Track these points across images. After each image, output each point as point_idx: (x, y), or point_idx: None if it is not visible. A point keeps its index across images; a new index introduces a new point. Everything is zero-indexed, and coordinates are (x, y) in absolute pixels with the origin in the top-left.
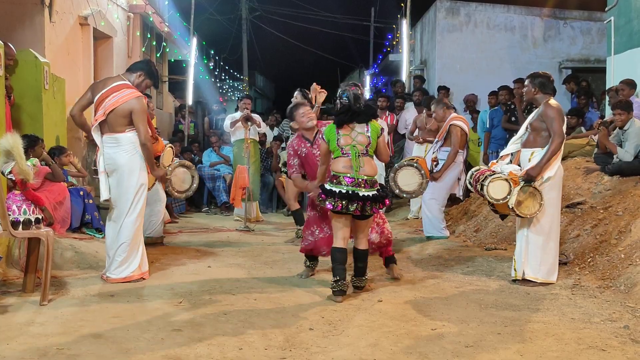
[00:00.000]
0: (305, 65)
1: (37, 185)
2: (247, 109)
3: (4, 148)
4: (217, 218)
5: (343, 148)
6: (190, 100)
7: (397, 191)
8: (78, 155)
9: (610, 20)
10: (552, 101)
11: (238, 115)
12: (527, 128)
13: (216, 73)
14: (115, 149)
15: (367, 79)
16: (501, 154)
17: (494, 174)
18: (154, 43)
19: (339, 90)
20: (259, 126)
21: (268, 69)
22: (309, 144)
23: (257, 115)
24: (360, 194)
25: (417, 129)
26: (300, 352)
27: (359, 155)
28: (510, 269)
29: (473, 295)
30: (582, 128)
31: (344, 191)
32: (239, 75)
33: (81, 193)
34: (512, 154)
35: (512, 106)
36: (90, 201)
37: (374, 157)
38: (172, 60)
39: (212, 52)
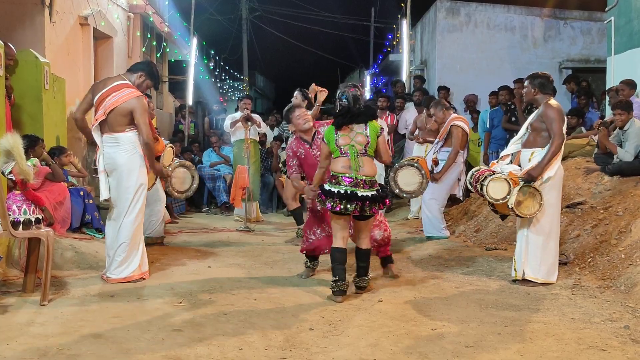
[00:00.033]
0: (305, 66)
1: (37, 185)
2: (247, 109)
3: (4, 148)
4: (217, 218)
5: (342, 148)
6: (190, 101)
7: (397, 191)
8: (78, 155)
9: (611, 20)
10: (553, 101)
11: (238, 115)
12: (527, 128)
13: (216, 73)
14: (114, 148)
15: (368, 79)
16: (501, 154)
17: (493, 174)
18: (154, 43)
19: (338, 92)
20: (259, 126)
21: (268, 69)
22: (307, 145)
23: (257, 116)
24: (359, 194)
25: (417, 129)
26: (300, 352)
27: (357, 155)
28: (511, 269)
29: (473, 295)
30: (583, 128)
31: (342, 191)
32: (239, 75)
33: (81, 193)
34: (512, 154)
35: (512, 106)
36: (91, 201)
37: (375, 158)
38: (172, 60)
39: (213, 52)
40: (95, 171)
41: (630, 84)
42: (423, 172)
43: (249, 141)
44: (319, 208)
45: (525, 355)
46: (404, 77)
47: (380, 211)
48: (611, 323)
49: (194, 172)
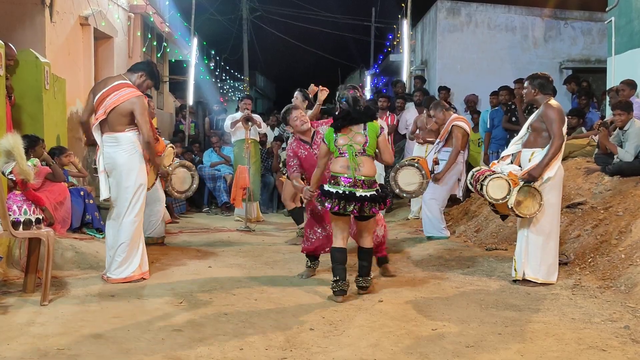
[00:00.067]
0: (306, 66)
1: (37, 185)
2: (248, 109)
3: (5, 148)
4: (218, 218)
5: (340, 148)
6: (190, 101)
7: (397, 191)
8: (78, 155)
9: (611, 20)
10: (553, 102)
11: (239, 115)
12: (527, 129)
13: (217, 73)
14: (114, 148)
15: (368, 79)
16: (502, 154)
17: (493, 174)
18: (155, 43)
19: (338, 94)
20: (259, 126)
21: (269, 69)
22: (307, 146)
23: (258, 116)
24: (357, 194)
25: (417, 130)
26: (301, 353)
27: (356, 155)
28: (511, 269)
29: (474, 295)
30: (583, 128)
31: (340, 192)
32: (240, 75)
33: (82, 193)
34: (513, 155)
35: (513, 106)
36: (91, 201)
37: (377, 157)
38: (173, 60)
39: (213, 52)
40: (95, 171)
41: (630, 84)
42: (423, 172)
43: (250, 141)
44: (319, 208)
45: (526, 355)
46: (405, 77)
47: (380, 211)
48: (611, 323)
49: (194, 172)
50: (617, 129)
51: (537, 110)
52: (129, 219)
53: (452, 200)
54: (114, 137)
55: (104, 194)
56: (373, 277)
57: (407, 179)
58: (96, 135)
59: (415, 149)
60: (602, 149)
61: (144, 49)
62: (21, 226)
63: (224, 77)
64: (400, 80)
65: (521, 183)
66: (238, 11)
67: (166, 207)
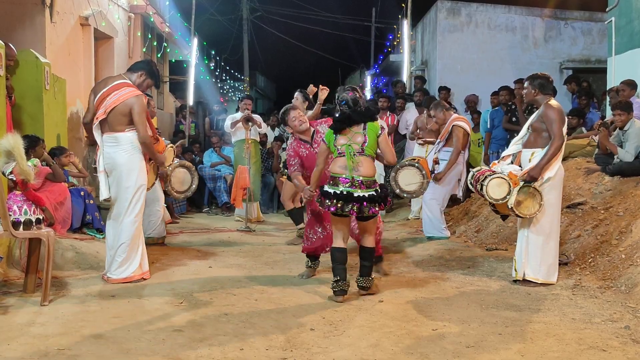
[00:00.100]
0: (306, 66)
1: (37, 185)
2: (248, 109)
3: (5, 148)
4: (218, 218)
5: (339, 148)
6: (191, 101)
7: (397, 191)
8: (79, 155)
9: (611, 20)
10: (553, 102)
11: (239, 115)
12: (528, 129)
13: (217, 73)
14: (114, 148)
15: (368, 79)
16: (502, 154)
17: (494, 174)
18: (155, 43)
19: (337, 96)
20: (259, 127)
21: (269, 69)
22: (308, 145)
23: (258, 116)
24: (356, 194)
25: (417, 130)
26: (301, 353)
27: (354, 155)
28: (511, 270)
29: (474, 295)
30: (583, 128)
31: (339, 192)
32: (240, 75)
33: (82, 193)
34: (513, 155)
35: (513, 106)
36: (91, 201)
37: (379, 157)
38: (173, 60)
39: (213, 52)
40: (95, 171)
41: (630, 85)
42: (424, 172)
43: (250, 141)
44: (319, 208)
45: (526, 355)
46: (405, 77)
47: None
48: (612, 323)
49: (193, 172)
50: (617, 129)
51: (537, 111)
52: (130, 219)
53: (453, 201)
54: (114, 137)
55: (103, 194)
56: (374, 277)
57: (407, 179)
58: (96, 135)
59: (416, 149)
60: (603, 149)
61: (144, 49)
62: (21, 226)
63: (224, 77)
64: (401, 80)
65: (521, 183)
66: (238, 11)
67: (166, 207)
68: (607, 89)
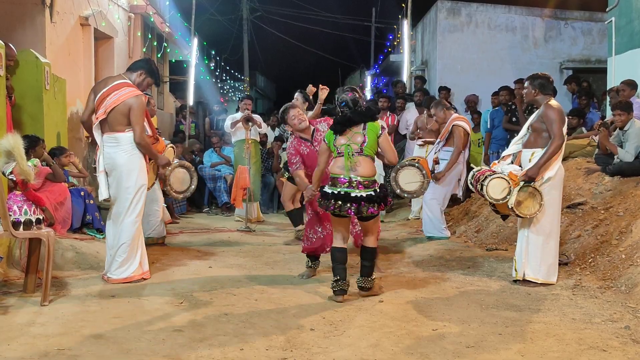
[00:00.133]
0: (306, 66)
1: (38, 185)
2: (248, 109)
3: (5, 148)
4: (218, 218)
5: (339, 148)
6: (191, 101)
7: (398, 191)
8: (79, 155)
9: (611, 20)
10: (553, 102)
11: (239, 115)
12: (528, 129)
13: (217, 73)
14: (114, 148)
15: (368, 80)
16: (502, 154)
17: (494, 174)
18: (155, 43)
19: (337, 97)
20: (259, 127)
21: (269, 69)
22: (308, 143)
23: (258, 116)
24: (353, 194)
25: (417, 130)
26: (301, 353)
27: (352, 155)
28: (511, 270)
29: (474, 295)
30: (583, 128)
31: (336, 192)
32: (240, 75)
33: (82, 193)
34: (513, 155)
35: (513, 106)
36: (91, 201)
37: (380, 157)
38: (173, 60)
39: (213, 52)
40: (96, 170)
41: (631, 85)
42: (424, 172)
43: (250, 141)
44: (319, 209)
45: (526, 355)
46: (405, 77)
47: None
48: (612, 323)
49: (193, 173)
50: (617, 129)
51: (537, 111)
52: (130, 219)
53: (453, 201)
54: (114, 138)
55: (102, 195)
56: (375, 277)
57: (407, 179)
58: (96, 135)
59: (416, 149)
60: (603, 149)
61: (144, 49)
62: (21, 226)
63: (224, 78)
64: (401, 80)
65: (521, 183)
66: (238, 11)
67: (167, 207)
68: (607, 89)
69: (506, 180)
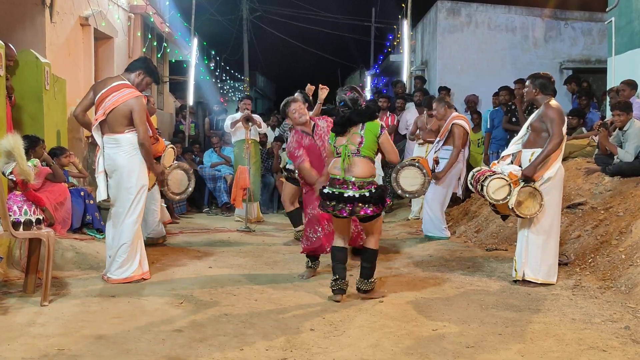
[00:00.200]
0: (306, 66)
1: (37, 185)
2: (248, 109)
3: (5, 149)
4: (218, 219)
5: (338, 148)
6: (191, 101)
7: (399, 191)
8: (79, 155)
9: (611, 20)
10: (553, 102)
11: (239, 115)
12: (527, 129)
13: (217, 73)
14: (115, 149)
15: (368, 80)
16: (502, 154)
17: (494, 175)
18: (155, 43)
19: (337, 97)
20: (259, 126)
21: (269, 69)
22: (309, 137)
23: (258, 116)
24: (346, 194)
25: (417, 130)
26: (301, 353)
27: (348, 155)
28: (511, 270)
29: (474, 295)
30: (583, 129)
31: (331, 192)
32: (240, 75)
33: (82, 194)
34: (513, 155)
35: (513, 107)
36: (91, 202)
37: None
38: (173, 60)
39: (213, 52)
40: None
41: (631, 85)
42: (425, 171)
43: (250, 141)
44: (315, 210)
45: (526, 355)
46: (405, 77)
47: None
48: (612, 324)
49: (191, 175)
50: (617, 129)
51: (537, 111)
52: (131, 220)
53: (453, 200)
54: (114, 139)
55: (101, 195)
56: (374, 280)
57: (408, 179)
58: (96, 136)
59: (416, 150)
60: (602, 149)
61: (144, 49)
62: (21, 227)
63: (224, 78)
64: (401, 80)
65: (521, 183)
66: (238, 11)
67: (167, 207)
68: (607, 89)
69: (506, 180)
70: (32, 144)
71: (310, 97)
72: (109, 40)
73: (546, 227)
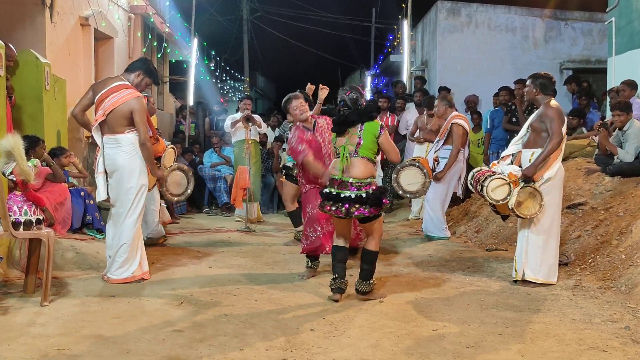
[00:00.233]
0: (306, 66)
1: (38, 186)
2: (248, 109)
3: (5, 149)
4: (218, 219)
5: (337, 149)
6: (191, 101)
7: (400, 192)
8: (79, 155)
9: (611, 21)
10: (553, 102)
11: (239, 116)
12: (527, 129)
13: (217, 74)
14: (115, 149)
15: (368, 80)
16: (502, 154)
17: (494, 175)
18: (155, 44)
19: (339, 98)
20: (259, 126)
21: (269, 69)
22: (310, 132)
23: (258, 116)
24: (342, 195)
25: (417, 130)
26: (301, 353)
27: (346, 156)
28: (511, 270)
29: (474, 296)
30: (583, 129)
31: (328, 192)
32: (240, 75)
33: (82, 194)
34: (513, 155)
35: (513, 107)
36: (91, 202)
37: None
38: (173, 61)
39: (213, 52)
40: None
41: (631, 85)
42: (425, 171)
43: (250, 142)
44: (313, 210)
45: (526, 355)
46: (405, 77)
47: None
48: (612, 324)
49: (190, 177)
50: (617, 129)
51: (537, 111)
52: (131, 220)
53: (453, 200)
54: (115, 139)
55: (101, 195)
56: (374, 282)
57: (409, 179)
58: (96, 137)
59: (416, 150)
60: (602, 149)
61: (144, 50)
62: (22, 227)
63: (224, 78)
64: (401, 80)
65: (521, 183)
66: (238, 12)
67: (167, 207)
68: (608, 89)
69: (506, 180)
70: (32, 144)
71: (310, 97)
72: (109, 40)
73: (546, 227)
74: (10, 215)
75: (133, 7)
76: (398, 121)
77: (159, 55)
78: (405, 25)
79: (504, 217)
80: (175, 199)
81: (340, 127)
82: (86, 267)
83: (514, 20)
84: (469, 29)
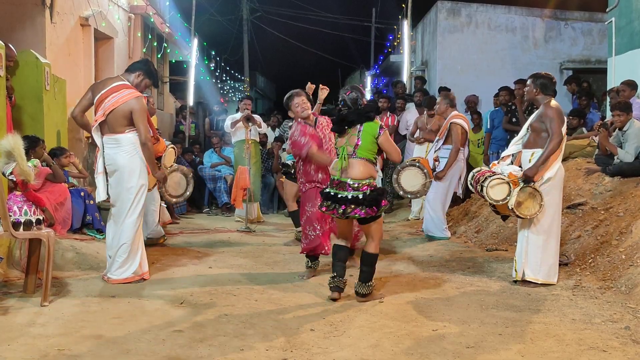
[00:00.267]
0: (306, 66)
1: (38, 186)
2: (248, 109)
3: (5, 149)
4: (218, 219)
5: (337, 149)
6: (191, 101)
7: (401, 192)
8: (79, 156)
9: (611, 21)
10: (553, 102)
11: (239, 116)
12: (527, 129)
13: (217, 74)
14: (115, 149)
15: (368, 80)
16: (502, 154)
17: (493, 175)
18: (155, 44)
19: (339, 98)
20: (259, 126)
21: (269, 69)
22: (312, 128)
23: (258, 116)
24: (339, 195)
25: (417, 130)
26: (301, 353)
27: (344, 157)
28: (511, 270)
29: (474, 296)
30: (584, 129)
31: (327, 192)
32: (240, 76)
33: (82, 194)
34: (513, 155)
35: (513, 107)
36: (91, 202)
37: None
38: (173, 61)
39: (213, 53)
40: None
41: (631, 85)
42: (426, 171)
43: (250, 142)
44: (312, 210)
45: (526, 356)
46: (405, 77)
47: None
48: (612, 324)
49: (190, 179)
50: (617, 129)
51: (537, 111)
52: (131, 220)
53: (453, 200)
54: (115, 139)
55: (101, 196)
56: (373, 284)
57: (409, 179)
58: (96, 137)
59: (416, 150)
60: (603, 149)
61: (144, 50)
62: (22, 227)
63: (224, 78)
64: (401, 80)
65: (521, 183)
66: (238, 12)
67: (167, 207)
68: (608, 89)
69: (506, 181)
70: (32, 144)
71: (311, 96)
72: (109, 40)
73: (546, 227)
74: (10, 216)
75: (133, 7)
76: (398, 121)
77: (159, 56)
78: (405, 25)
79: (504, 218)
80: (175, 200)
81: (339, 127)
82: (86, 267)
83: (514, 20)
84: (469, 29)
